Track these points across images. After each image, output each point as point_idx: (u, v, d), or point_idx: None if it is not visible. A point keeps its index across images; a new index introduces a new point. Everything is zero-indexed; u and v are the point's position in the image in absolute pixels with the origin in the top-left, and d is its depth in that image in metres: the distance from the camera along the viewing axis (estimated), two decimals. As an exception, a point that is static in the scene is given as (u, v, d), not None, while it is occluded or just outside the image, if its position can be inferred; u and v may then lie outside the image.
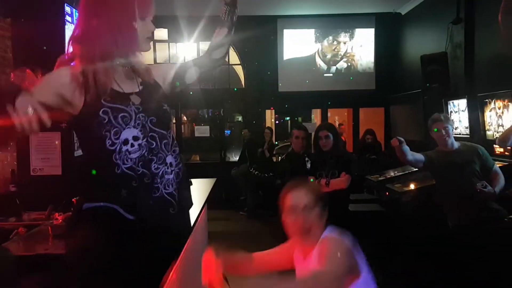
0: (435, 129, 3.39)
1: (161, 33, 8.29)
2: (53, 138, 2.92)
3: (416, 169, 5.34)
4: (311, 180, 3.63)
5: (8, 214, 2.88)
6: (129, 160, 1.34)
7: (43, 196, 2.84)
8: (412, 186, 4.55)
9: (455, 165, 3.30)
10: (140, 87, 1.46)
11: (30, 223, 2.53)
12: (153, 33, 1.47)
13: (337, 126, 8.33)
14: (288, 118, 10.98)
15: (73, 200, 2.59)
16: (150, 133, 1.40)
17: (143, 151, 1.36)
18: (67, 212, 2.61)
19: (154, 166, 1.38)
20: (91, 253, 1.31)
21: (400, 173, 5.30)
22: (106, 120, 1.32)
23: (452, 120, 3.51)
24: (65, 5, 2.96)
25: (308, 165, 3.89)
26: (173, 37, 8.26)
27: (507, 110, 4.64)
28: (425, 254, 4.10)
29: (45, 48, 2.84)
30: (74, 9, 3.03)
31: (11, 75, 2.71)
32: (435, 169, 3.41)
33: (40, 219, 2.71)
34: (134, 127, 1.36)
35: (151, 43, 1.48)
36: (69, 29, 2.95)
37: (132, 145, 1.35)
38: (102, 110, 1.32)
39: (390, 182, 4.94)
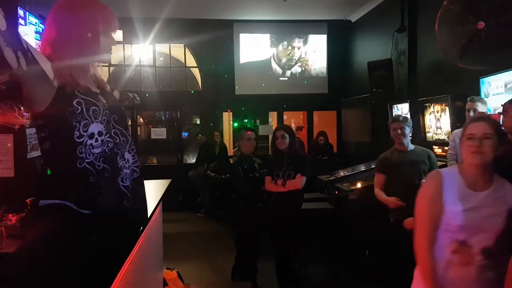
0: (393, 128, 3.63)
1: (116, 34, 8.20)
2: (6, 141, 2.90)
3: (364, 169, 5.71)
4: (269, 180, 3.81)
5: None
6: (91, 154, 1.43)
7: (-6, 198, 2.83)
8: (358, 185, 4.83)
9: (406, 163, 3.58)
10: (99, 90, 1.58)
11: (-18, 225, 2.51)
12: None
13: (297, 129, 8.58)
14: (246, 120, 11.16)
15: (27, 201, 2.61)
16: (113, 129, 1.52)
17: (105, 147, 1.47)
18: (21, 213, 2.62)
19: (116, 161, 1.50)
20: (43, 249, 1.37)
21: (349, 173, 5.59)
22: (79, 110, 1.41)
23: (411, 121, 3.77)
24: (18, 8, 2.96)
25: (256, 166, 4.05)
26: (128, 39, 8.21)
27: (445, 114, 5.03)
28: (369, 246, 4.40)
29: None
30: (27, 12, 3.03)
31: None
32: (389, 165, 3.65)
33: (-8, 221, 2.70)
34: (100, 122, 1.47)
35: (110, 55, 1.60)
36: (21, 32, 2.95)
37: (96, 140, 1.45)
38: (76, 100, 1.42)
39: (340, 181, 5.21)
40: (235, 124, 9.64)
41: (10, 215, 2.41)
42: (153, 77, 8.58)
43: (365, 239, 4.41)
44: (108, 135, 1.49)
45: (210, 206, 7.59)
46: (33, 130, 3.25)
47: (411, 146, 3.68)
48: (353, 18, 8.36)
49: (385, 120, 6.64)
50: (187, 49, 8.57)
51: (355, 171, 5.62)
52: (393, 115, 6.30)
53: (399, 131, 3.62)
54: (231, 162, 8.21)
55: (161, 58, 8.83)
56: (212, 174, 7.44)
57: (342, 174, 5.64)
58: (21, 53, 1.22)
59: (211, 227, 6.94)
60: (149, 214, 2.19)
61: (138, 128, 9.05)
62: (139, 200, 1.64)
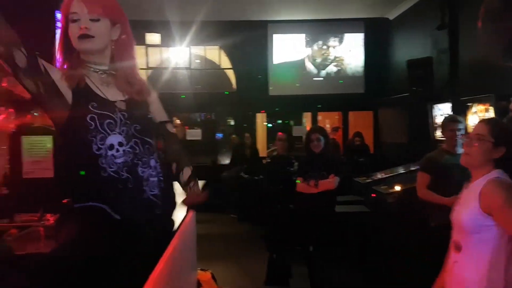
0: (450, 129, 3.47)
1: (153, 38, 8.38)
2: (45, 142, 2.99)
3: (402, 171, 5.52)
4: (298, 181, 3.75)
5: (0, 216, 2.95)
6: (114, 164, 1.41)
7: (35, 199, 2.91)
8: (397, 188, 4.66)
9: (456, 166, 3.41)
10: (126, 97, 1.53)
11: (21, 225, 2.60)
12: (84, 33, 1.44)
13: (333, 130, 8.44)
14: (280, 121, 11.10)
15: (63, 201, 2.67)
16: (134, 139, 1.47)
17: (128, 157, 1.44)
18: (59, 213, 2.69)
19: (140, 170, 1.46)
20: (79, 250, 1.37)
21: (387, 175, 5.42)
22: (93, 126, 1.40)
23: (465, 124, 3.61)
24: (56, 11, 3.04)
25: (294, 167, 4.00)
26: (165, 42, 8.35)
27: (488, 114, 4.78)
28: (407, 252, 4.23)
29: (37, 53, 2.92)
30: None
31: (3, 80, 2.78)
32: (436, 166, 3.51)
33: (32, 220, 2.78)
34: (119, 133, 1.44)
35: (90, 41, 1.45)
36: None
37: (118, 150, 1.42)
38: (89, 116, 1.40)
39: (377, 184, 5.06)
40: (269, 125, 9.62)
41: (48, 215, 2.48)
42: (189, 79, 8.68)
43: (401, 244, 4.25)
44: (129, 145, 1.46)
45: (242, 208, 7.58)
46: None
47: (461, 150, 3.51)
48: (391, 16, 8.13)
49: (425, 120, 6.46)
50: (221, 51, 8.61)
51: (393, 173, 5.44)
52: (433, 115, 6.07)
53: (457, 132, 3.46)
54: (263, 163, 8.19)
55: (197, 60, 8.92)
56: (245, 176, 7.44)
57: (379, 176, 5.47)
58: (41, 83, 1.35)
59: (243, 228, 6.93)
60: (182, 217, 2.18)
61: (174, 129, 9.16)
62: (169, 208, 1.61)
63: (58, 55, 1.52)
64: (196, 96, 8.56)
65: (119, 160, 1.42)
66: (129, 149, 1.45)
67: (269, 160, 4.09)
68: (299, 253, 3.91)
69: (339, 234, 4.21)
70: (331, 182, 3.66)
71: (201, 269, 3.89)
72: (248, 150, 7.73)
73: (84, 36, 1.43)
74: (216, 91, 8.73)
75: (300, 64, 8.63)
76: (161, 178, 1.54)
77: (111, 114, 1.44)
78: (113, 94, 1.50)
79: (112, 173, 1.41)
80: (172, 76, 8.69)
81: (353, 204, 4.86)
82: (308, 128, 9.46)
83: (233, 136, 8.27)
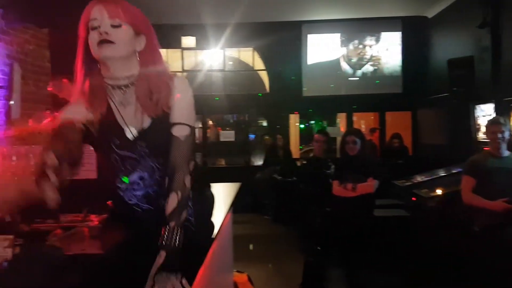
0: (493, 131, 3.35)
1: (189, 41, 8.50)
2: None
3: (443, 174, 5.34)
4: (336, 184, 3.70)
5: (45, 216, 3.05)
6: (134, 197, 1.40)
7: (78, 199, 2.99)
8: (439, 191, 4.52)
9: (502, 170, 3.29)
10: (149, 121, 1.39)
11: (66, 225, 2.67)
12: (104, 39, 1.33)
13: (370, 131, 8.27)
14: (312, 121, 10.99)
15: (107, 202, 2.74)
16: (158, 172, 1.40)
17: (148, 189, 1.40)
18: (102, 214, 2.75)
19: (162, 202, 1.35)
20: (122, 251, 1.38)
21: (427, 178, 5.25)
22: (116, 165, 1.38)
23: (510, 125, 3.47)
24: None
25: (331, 169, 3.95)
26: (200, 45, 8.46)
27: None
28: (449, 258, 4.07)
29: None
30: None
31: (49, 84, 2.88)
32: (481, 170, 3.39)
33: (76, 221, 2.86)
34: (141, 170, 1.39)
35: (109, 47, 1.32)
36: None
37: (138, 184, 1.40)
38: (113, 156, 1.37)
39: (417, 187, 4.91)
40: (302, 126, 9.55)
41: (93, 216, 2.54)
42: (222, 81, 8.75)
43: (443, 249, 4.11)
44: (152, 178, 1.40)
45: (276, 209, 7.55)
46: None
47: (506, 152, 3.37)
48: (430, 14, 7.89)
49: (466, 121, 6.23)
50: (255, 52, 8.63)
51: (434, 176, 5.27)
52: (475, 116, 5.84)
53: (499, 135, 3.32)
54: (297, 164, 8.13)
55: (230, 62, 8.98)
56: (278, 177, 7.42)
57: (419, 179, 5.31)
58: None
59: (277, 230, 6.90)
60: (220, 220, 2.19)
61: (207, 130, 9.27)
62: (203, 223, 1.59)
63: (77, 71, 1.41)
64: (230, 98, 8.61)
65: (139, 193, 1.40)
66: (151, 182, 1.40)
67: (304, 162, 4.04)
68: (336, 256, 3.85)
69: (377, 238, 4.12)
70: (369, 185, 3.60)
71: (238, 271, 3.91)
72: (281, 151, 7.69)
73: (103, 42, 1.31)
74: (250, 92, 8.75)
75: (335, 64, 8.51)
76: (191, 203, 1.43)
77: (133, 155, 1.38)
78: (135, 123, 1.39)
79: (133, 205, 1.41)
80: (206, 79, 8.79)
81: (392, 208, 4.73)
82: (342, 129, 9.37)
83: (266, 137, 8.27)
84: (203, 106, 8.68)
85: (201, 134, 8.98)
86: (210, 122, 9.50)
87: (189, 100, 1.43)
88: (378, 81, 8.47)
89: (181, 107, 1.39)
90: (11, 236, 2.69)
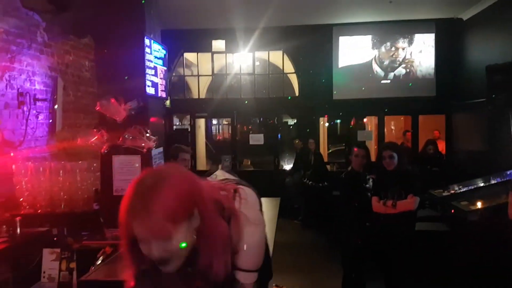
0: None
1: (219, 44, 8.53)
2: (134, 161, 3.13)
3: (482, 184, 5.20)
4: (375, 200, 3.64)
5: (92, 230, 3.13)
6: None
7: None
8: (479, 204, 4.40)
9: None
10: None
11: (114, 242, 2.73)
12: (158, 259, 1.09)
13: (403, 133, 8.11)
14: (339, 120, 10.86)
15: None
16: None
17: None
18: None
19: None
20: None
21: (465, 189, 5.12)
22: None
23: None
24: (145, 37, 3.16)
25: (369, 184, 3.89)
26: (229, 48, 8.48)
27: None
28: (492, 273, 3.97)
29: (126, 78, 3.07)
30: (151, 40, 3.23)
31: (97, 104, 2.95)
32: None
33: (122, 237, 2.93)
34: None
35: (171, 265, 1.09)
36: (147, 60, 3.16)
37: None
38: None
39: (455, 198, 4.79)
40: (329, 128, 9.46)
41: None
42: (251, 84, 8.76)
43: (485, 266, 4.00)
44: None
45: (307, 214, 7.52)
46: (158, 150, 3.47)
47: None
48: (465, 16, 7.67)
49: (505, 128, 6.03)
50: (285, 55, 8.59)
51: (472, 186, 5.13)
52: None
53: None
54: (328, 169, 8.07)
55: (257, 63, 8.95)
56: (309, 182, 7.38)
57: (456, 189, 5.18)
58: None
59: (309, 236, 6.87)
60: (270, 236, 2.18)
61: (237, 133, 9.30)
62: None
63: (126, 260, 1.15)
64: (259, 101, 8.61)
65: None
66: None
67: (342, 177, 3.99)
68: (375, 269, 3.81)
69: (418, 253, 4.05)
70: (410, 203, 3.52)
71: (276, 286, 3.91)
72: (312, 155, 7.64)
73: (160, 262, 1.08)
74: (279, 96, 8.72)
75: (367, 66, 8.38)
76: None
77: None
78: None
79: None
80: (236, 81, 8.81)
81: (430, 220, 4.64)
82: (374, 132, 9.24)
83: (296, 141, 8.23)
84: (232, 109, 8.72)
85: (230, 137, 9.03)
86: (239, 126, 9.53)
87: (259, 244, 1.25)
88: (411, 84, 8.30)
89: (250, 254, 1.21)
90: (58, 250, 2.79)
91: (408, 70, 8.34)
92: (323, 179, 7.32)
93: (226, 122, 14.96)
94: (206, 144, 10.60)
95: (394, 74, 8.36)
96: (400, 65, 8.34)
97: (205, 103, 8.75)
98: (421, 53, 8.24)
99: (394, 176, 3.60)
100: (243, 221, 1.19)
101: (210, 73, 8.70)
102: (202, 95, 8.99)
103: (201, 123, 9.97)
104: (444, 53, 8.10)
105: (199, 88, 8.85)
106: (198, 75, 8.78)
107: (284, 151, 9.37)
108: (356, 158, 3.84)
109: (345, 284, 3.91)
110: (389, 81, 8.36)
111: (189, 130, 9.32)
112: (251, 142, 8.81)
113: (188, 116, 9.56)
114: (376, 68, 8.39)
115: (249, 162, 9.86)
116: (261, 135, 8.90)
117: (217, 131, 16.00)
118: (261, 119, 9.92)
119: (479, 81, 6.32)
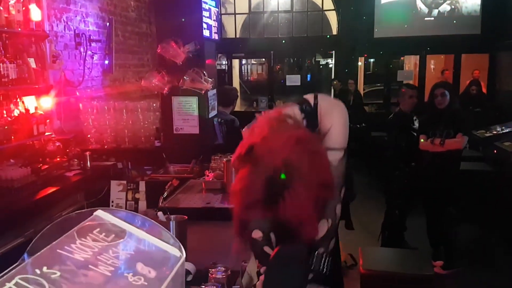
0: None
1: None
2: (191, 102, 3.29)
3: (527, 125, 5.14)
4: (422, 140, 3.72)
5: (156, 165, 3.39)
6: None
7: (183, 152, 3.29)
8: (523, 145, 4.41)
9: None
10: None
11: (180, 176, 2.97)
12: None
13: (441, 72, 7.90)
14: (372, 59, 10.55)
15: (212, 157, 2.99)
16: None
17: None
18: (206, 165, 3.03)
19: None
20: None
21: (508, 130, 5.10)
22: None
23: None
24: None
25: (415, 124, 3.94)
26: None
27: None
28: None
29: (183, 20, 3.15)
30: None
31: (158, 47, 3.06)
32: None
33: (184, 171, 3.18)
34: None
35: None
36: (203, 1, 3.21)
37: None
38: None
39: (498, 139, 4.80)
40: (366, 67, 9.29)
41: (207, 171, 2.79)
42: (289, 22, 8.59)
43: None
44: None
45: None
46: (213, 92, 3.62)
47: None
48: None
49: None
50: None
51: (516, 127, 5.10)
52: None
53: None
54: (366, 110, 8.06)
55: (298, 2, 8.71)
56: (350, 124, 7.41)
57: (499, 129, 5.17)
58: None
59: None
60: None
61: (275, 74, 9.28)
62: None
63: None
64: (296, 40, 8.48)
65: None
66: None
67: (391, 118, 4.05)
68: (416, 210, 3.96)
69: (460, 191, 4.16)
70: (458, 142, 3.58)
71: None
72: (351, 96, 7.63)
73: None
74: (317, 34, 8.55)
75: (410, 3, 8.04)
76: None
77: None
78: None
79: None
80: (273, 20, 8.66)
81: (472, 160, 4.68)
82: (415, 72, 9.03)
83: (335, 81, 8.18)
84: (269, 48, 8.64)
85: (266, 78, 9.04)
86: (277, 67, 9.49)
87: (344, 125, 1.34)
88: (455, 21, 7.96)
89: (336, 133, 1.29)
90: (124, 181, 3.07)
91: (453, 6, 7.97)
92: (362, 120, 7.35)
93: (255, 62, 14.83)
94: (240, 85, 10.64)
95: (439, 11, 8.02)
96: (444, 1, 7.96)
97: (241, 42, 8.69)
98: (468, -12, 7.81)
99: (444, 114, 3.63)
100: (326, 107, 1.33)
101: (247, 11, 8.56)
102: (238, 35, 8.90)
103: (235, 63, 9.95)
104: (493, -11, 7.65)
105: (236, 27, 8.76)
106: (235, 13, 8.65)
107: (321, 92, 9.34)
108: (409, 99, 3.87)
109: (386, 221, 4.10)
110: (432, 18, 8.04)
111: (226, 70, 9.38)
112: (288, 83, 8.82)
113: (224, 56, 9.55)
114: (420, 4, 8.05)
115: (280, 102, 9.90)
116: (298, 76, 8.87)
117: (250, 72, 15.94)
118: (299, 59, 9.80)
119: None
